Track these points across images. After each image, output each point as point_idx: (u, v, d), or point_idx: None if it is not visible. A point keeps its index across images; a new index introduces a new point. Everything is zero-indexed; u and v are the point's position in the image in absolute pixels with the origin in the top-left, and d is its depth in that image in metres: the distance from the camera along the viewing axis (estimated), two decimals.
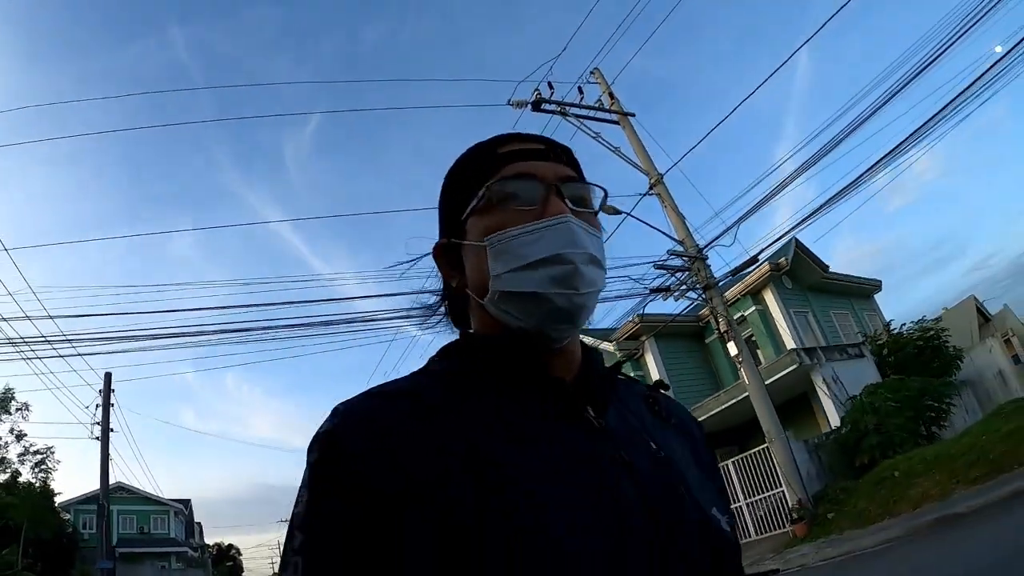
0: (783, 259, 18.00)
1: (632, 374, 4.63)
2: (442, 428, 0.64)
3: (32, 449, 23.98)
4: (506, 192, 0.75)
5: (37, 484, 23.78)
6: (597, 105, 14.15)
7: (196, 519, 44.06)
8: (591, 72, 14.42)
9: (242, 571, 55.62)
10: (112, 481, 20.45)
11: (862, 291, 22.46)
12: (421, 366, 0.78)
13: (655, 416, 0.82)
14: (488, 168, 0.78)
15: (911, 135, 10.89)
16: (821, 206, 12.35)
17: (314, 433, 0.66)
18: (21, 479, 23.54)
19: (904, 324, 17.77)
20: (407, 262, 0.90)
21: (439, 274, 0.86)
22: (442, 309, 0.91)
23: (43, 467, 24.47)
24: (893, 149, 11.27)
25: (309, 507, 0.62)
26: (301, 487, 0.64)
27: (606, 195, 0.81)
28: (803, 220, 12.68)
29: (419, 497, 0.58)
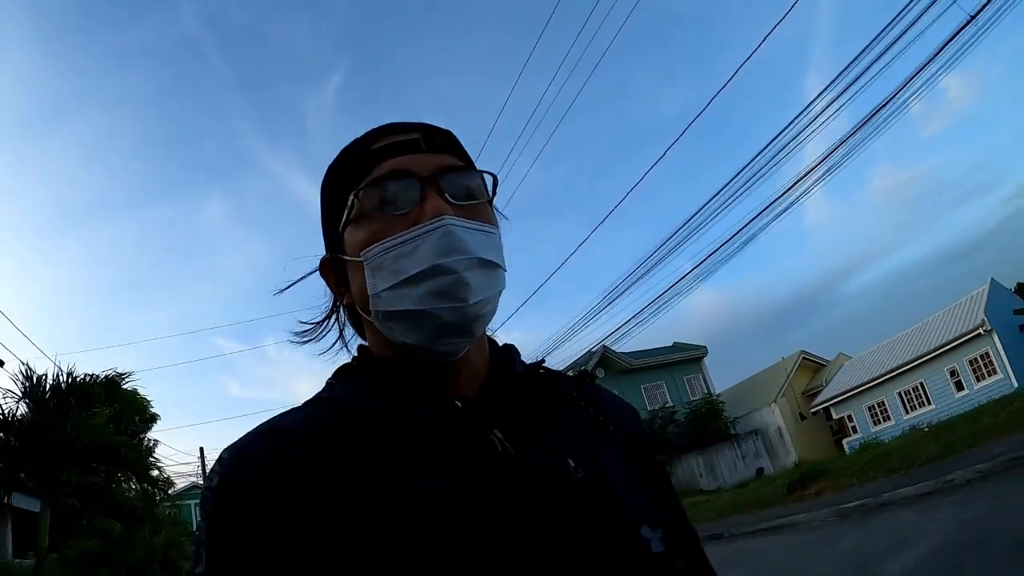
0: (587, 366, 23.29)
1: None
2: (333, 470, 0.59)
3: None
4: (378, 197, 0.68)
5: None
6: None
7: None
8: None
9: None
10: (188, 482, 26.97)
11: (687, 360, 30.85)
12: (319, 390, 0.72)
13: (584, 413, 0.75)
14: (359, 170, 0.70)
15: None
16: (627, 320, 18.09)
17: (202, 489, 0.60)
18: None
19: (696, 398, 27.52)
20: (292, 283, 0.82)
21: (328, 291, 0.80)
22: (332, 325, 0.83)
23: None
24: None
25: (210, 565, 0.57)
26: (196, 548, 0.58)
27: (495, 181, 0.73)
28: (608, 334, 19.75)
29: (310, 552, 0.55)
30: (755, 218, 11.76)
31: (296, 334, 0.84)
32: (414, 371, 0.68)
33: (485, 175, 0.73)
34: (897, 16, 8.79)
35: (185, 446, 60.29)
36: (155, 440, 17.84)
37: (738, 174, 11.15)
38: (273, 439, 0.62)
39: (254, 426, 0.65)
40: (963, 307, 24.45)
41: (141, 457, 15.01)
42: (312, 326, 0.83)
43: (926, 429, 18.20)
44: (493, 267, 0.69)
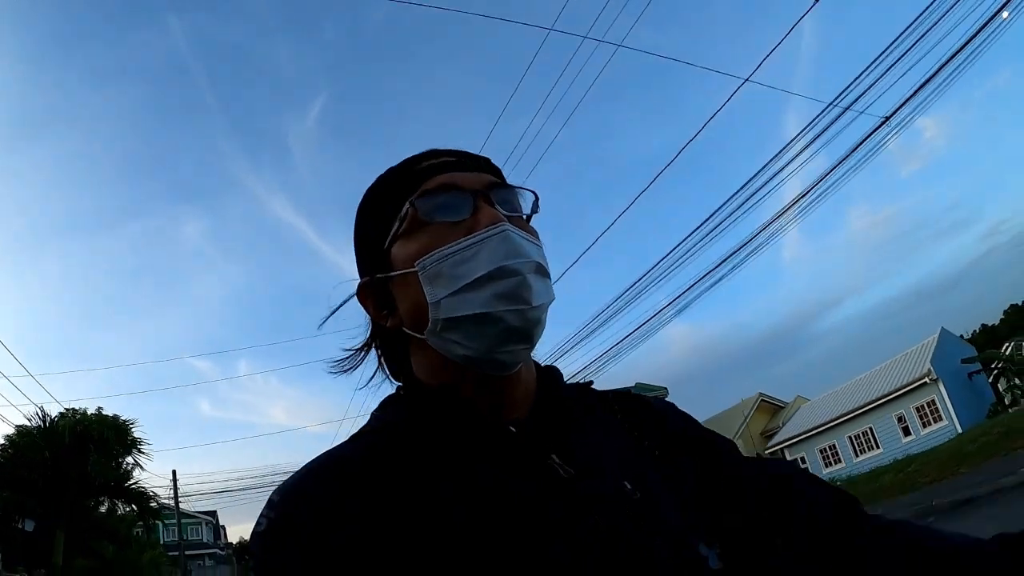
0: None
1: None
2: (390, 510, 0.56)
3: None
4: (431, 207, 0.68)
5: None
6: None
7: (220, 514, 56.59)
8: None
9: None
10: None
11: None
12: (366, 425, 0.71)
13: (627, 434, 0.74)
14: (406, 187, 0.71)
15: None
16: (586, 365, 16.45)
17: (251, 534, 0.59)
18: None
19: None
20: (332, 311, 0.80)
21: (368, 318, 0.77)
22: (371, 355, 0.80)
23: None
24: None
25: None
26: None
27: (537, 199, 0.75)
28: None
29: None
30: (720, 264, 12.38)
31: (334, 362, 0.81)
32: (470, 393, 0.67)
33: (527, 192, 0.74)
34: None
35: (157, 467, 59.78)
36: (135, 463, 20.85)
37: (698, 228, 11.73)
38: (323, 479, 0.60)
39: (305, 464, 0.62)
40: (912, 356, 25.64)
41: (144, 493, 19.59)
42: (351, 354, 0.80)
43: (838, 484, 18.91)
44: (547, 275, 0.69)
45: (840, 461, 26.19)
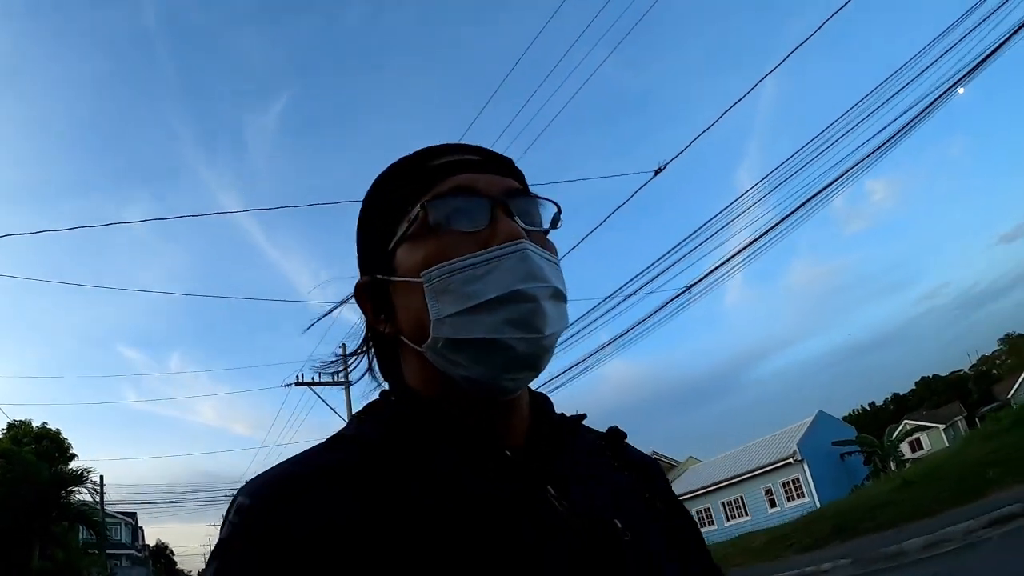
0: None
1: None
2: (368, 526, 0.52)
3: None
4: (444, 212, 0.63)
5: None
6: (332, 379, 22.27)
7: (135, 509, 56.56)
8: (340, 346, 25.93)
9: (175, 564, 68.45)
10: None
11: None
12: (339, 430, 0.65)
13: (615, 473, 0.72)
14: (419, 185, 0.65)
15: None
16: None
17: (217, 542, 0.55)
18: None
19: None
20: (326, 313, 0.76)
21: (363, 319, 0.72)
22: (365, 360, 0.75)
23: None
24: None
25: None
26: None
27: (559, 211, 0.69)
28: None
29: None
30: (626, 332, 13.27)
31: (322, 364, 0.77)
32: (465, 412, 0.63)
33: (549, 203, 0.69)
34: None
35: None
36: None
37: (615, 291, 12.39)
38: (299, 486, 0.55)
39: (271, 467, 0.58)
40: (785, 436, 28.79)
41: (94, 512, 27.47)
42: (339, 358, 0.76)
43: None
44: (563, 300, 0.65)
45: (713, 523, 28.94)
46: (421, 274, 0.62)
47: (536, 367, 0.63)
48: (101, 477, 31.99)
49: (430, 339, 0.62)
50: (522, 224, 0.63)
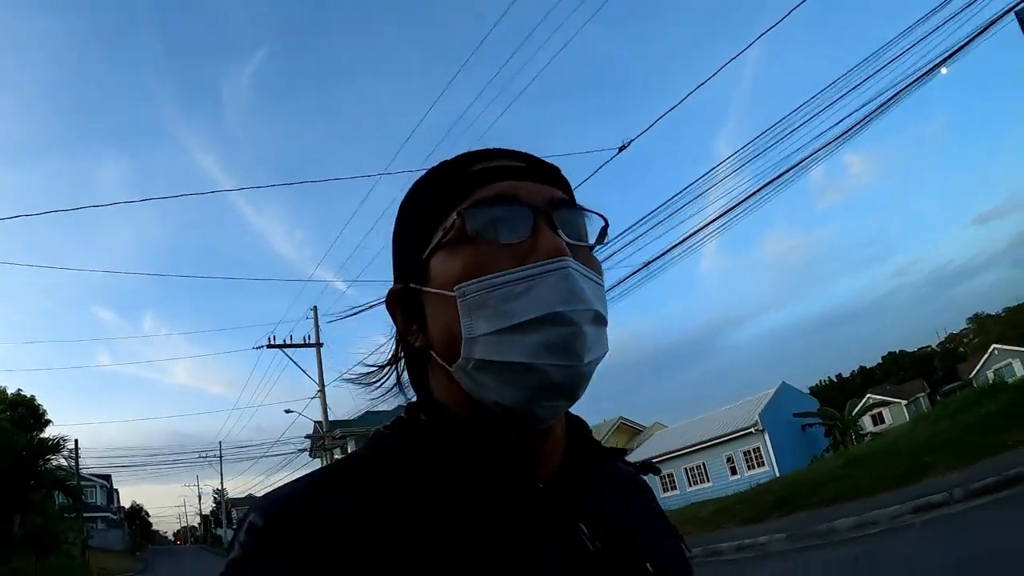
0: None
1: None
2: (365, 527, 0.51)
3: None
4: (482, 221, 0.59)
5: None
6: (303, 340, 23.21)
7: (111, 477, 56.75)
8: (311, 309, 23.45)
9: (151, 526, 69.14)
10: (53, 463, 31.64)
11: None
12: (363, 445, 0.62)
13: (643, 505, 0.71)
14: (457, 191, 0.62)
15: None
16: None
17: (227, 562, 0.51)
18: None
19: None
20: (352, 312, 0.75)
21: (393, 328, 0.69)
22: (394, 372, 0.72)
23: None
24: None
25: None
26: None
27: (606, 225, 0.65)
28: None
29: None
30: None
31: (356, 376, 0.73)
32: (500, 438, 0.59)
33: (595, 216, 0.65)
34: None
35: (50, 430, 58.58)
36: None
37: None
38: (314, 510, 0.52)
39: (280, 487, 0.57)
40: (748, 405, 29.53)
41: (70, 477, 29.79)
42: (375, 369, 0.72)
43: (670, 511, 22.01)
44: (604, 324, 0.61)
45: (676, 489, 29.87)
46: (455, 288, 0.58)
47: (573, 395, 0.59)
48: (76, 442, 32.58)
49: (460, 359, 0.59)
50: (565, 238, 0.60)
